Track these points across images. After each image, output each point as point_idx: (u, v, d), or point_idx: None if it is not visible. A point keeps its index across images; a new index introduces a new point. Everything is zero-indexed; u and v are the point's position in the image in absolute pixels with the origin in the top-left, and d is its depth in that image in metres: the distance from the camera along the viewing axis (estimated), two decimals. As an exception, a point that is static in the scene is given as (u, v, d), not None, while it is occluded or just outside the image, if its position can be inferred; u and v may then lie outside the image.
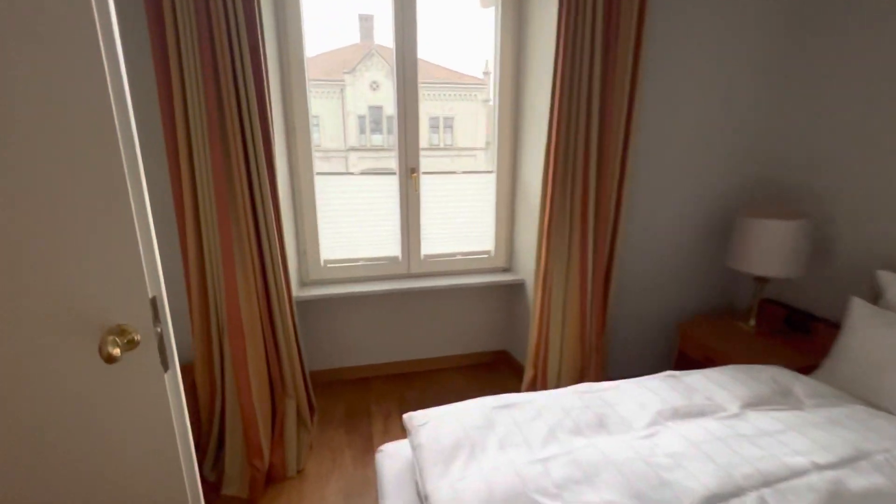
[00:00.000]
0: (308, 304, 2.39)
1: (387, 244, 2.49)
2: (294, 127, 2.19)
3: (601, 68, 1.80)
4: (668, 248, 2.31)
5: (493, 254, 2.62)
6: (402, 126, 2.32)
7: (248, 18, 1.56)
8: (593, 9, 1.73)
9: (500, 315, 2.74)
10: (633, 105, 1.88)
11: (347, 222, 2.41)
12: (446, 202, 2.51)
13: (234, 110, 1.60)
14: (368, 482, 1.87)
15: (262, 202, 1.70)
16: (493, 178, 2.51)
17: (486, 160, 2.56)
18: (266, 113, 1.67)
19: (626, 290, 2.30)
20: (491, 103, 2.48)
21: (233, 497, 1.79)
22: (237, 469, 1.81)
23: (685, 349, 2.19)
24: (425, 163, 2.38)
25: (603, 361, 2.18)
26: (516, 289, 2.61)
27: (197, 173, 1.61)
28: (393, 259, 2.51)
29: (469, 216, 2.56)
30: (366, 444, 2.10)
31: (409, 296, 2.55)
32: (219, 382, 1.83)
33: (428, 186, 2.44)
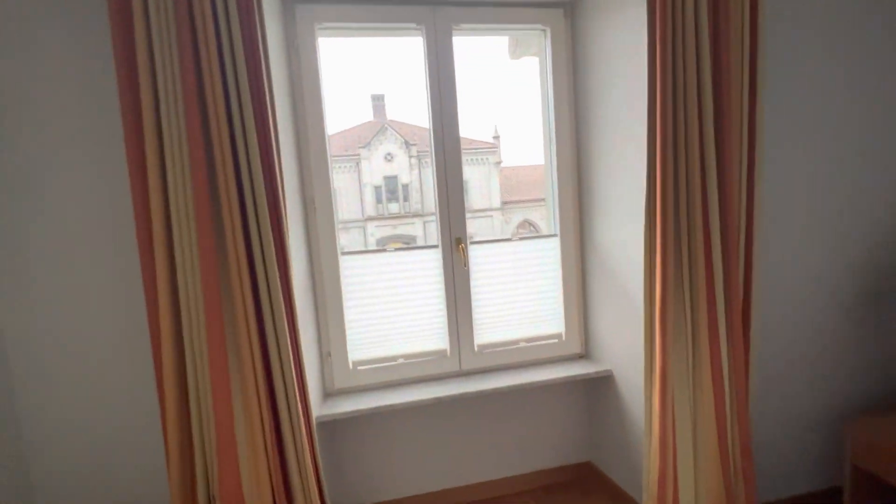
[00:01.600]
0: (333, 424, 1.84)
1: (431, 335, 1.97)
2: (314, 204, 1.78)
3: (713, 95, 1.36)
4: (813, 324, 1.73)
5: (564, 337, 2.06)
6: (443, 194, 1.89)
7: (255, 92, 1.20)
8: (695, 26, 1.32)
9: (579, 417, 2.12)
10: (755, 142, 1.42)
11: (380, 311, 1.92)
12: (500, 276, 2.01)
13: (234, 193, 1.19)
14: None
15: (271, 296, 1.23)
16: (556, 242, 2.03)
17: (546, 223, 2.10)
18: (277, 191, 1.25)
19: (769, 385, 1.71)
20: (503, 164, 2.07)
21: None
22: None
23: (859, 461, 1.55)
24: (434, 227, 1.92)
25: (752, 490, 1.52)
26: (600, 382, 2.01)
27: (179, 268, 1.16)
28: (440, 354, 1.97)
29: (530, 292, 2.04)
30: None
31: (462, 402, 1.97)
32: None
33: (477, 259, 1.96)
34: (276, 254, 1.24)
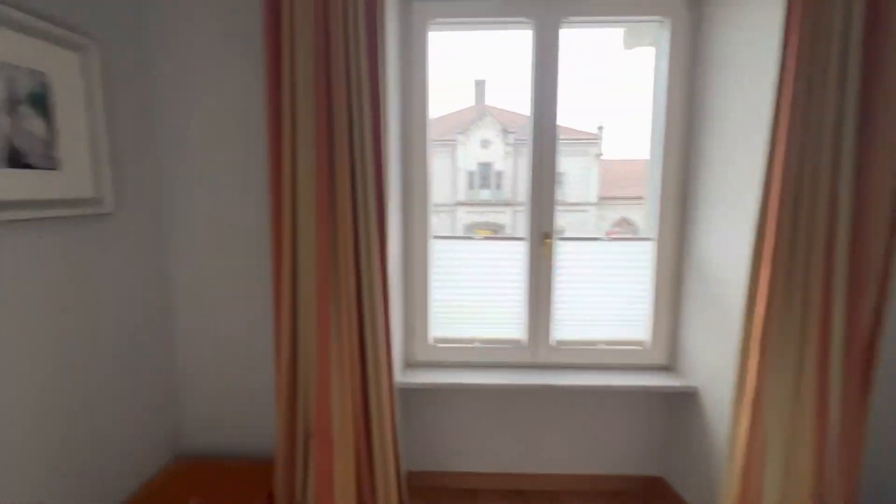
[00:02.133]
0: (411, 392, 2.00)
1: (509, 324, 2.02)
2: (412, 186, 1.92)
3: (859, 101, 1.20)
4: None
5: (648, 346, 1.98)
6: (536, 185, 1.91)
7: (372, 78, 1.34)
8: (843, 28, 1.16)
9: (656, 430, 2.03)
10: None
11: (463, 295, 2.02)
12: (586, 275, 1.98)
13: (347, 169, 1.34)
14: None
15: (370, 279, 1.38)
16: (650, 247, 1.94)
17: (645, 223, 2.00)
18: (381, 171, 1.39)
19: (890, 437, 1.49)
20: (604, 157, 1.97)
21: None
22: None
23: None
24: (524, 218, 1.92)
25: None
26: (683, 398, 1.91)
27: (299, 236, 1.36)
28: (516, 343, 2.02)
29: (617, 294, 1.99)
30: None
31: (534, 393, 2.01)
32: (300, 493, 1.47)
33: (564, 255, 1.96)
34: (377, 231, 1.39)
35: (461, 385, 1.86)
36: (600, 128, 13.86)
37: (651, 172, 1.94)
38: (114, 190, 1.36)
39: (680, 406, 1.93)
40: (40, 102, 1.11)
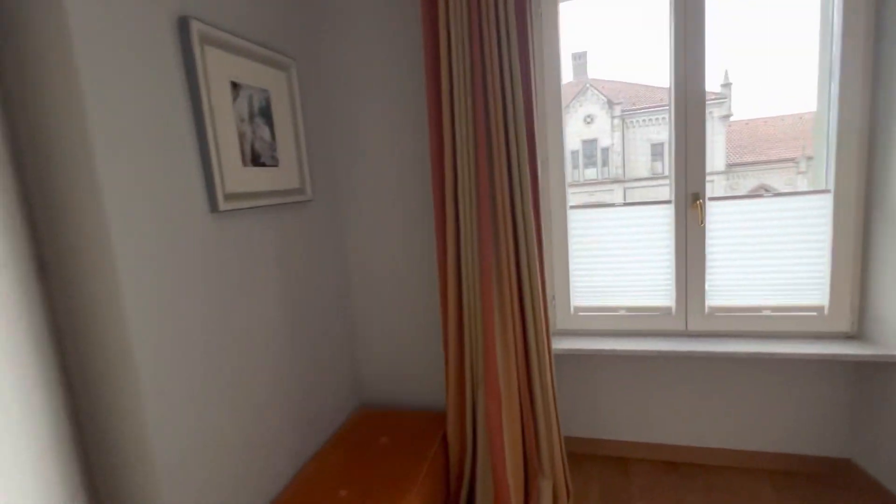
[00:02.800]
0: (558, 358, 2.07)
1: (656, 291, 1.97)
2: (547, 158, 1.97)
3: None
4: None
5: (826, 312, 1.78)
6: (681, 148, 1.82)
7: (522, 51, 1.42)
8: None
9: (840, 406, 1.82)
10: None
11: (604, 263, 2.02)
12: (744, 236, 1.84)
13: (503, 140, 1.45)
14: None
15: (526, 239, 1.48)
16: (826, 200, 1.73)
17: (808, 180, 1.79)
18: (533, 143, 1.48)
19: None
20: (733, 118, 1.75)
21: (481, 583, 1.54)
22: (487, 550, 1.56)
23: None
24: (644, 195, 1.82)
25: None
26: (877, 369, 1.68)
27: (460, 206, 1.51)
28: (664, 311, 1.96)
29: (783, 257, 1.81)
30: (639, 559, 1.57)
31: (688, 361, 1.94)
32: (470, 442, 1.64)
33: (717, 217, 1.84)
34: (532, 202, 1.48)
35: (608, 351, 1.88)
36: (726, 85, 12.21)
37: (823, 123, 1.72)
38: (311, 181, 1.65)
39: (871, 378, 1.71)
40: (266, 113, 1.41)
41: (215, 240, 1.22)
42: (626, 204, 1.99)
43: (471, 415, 1.62)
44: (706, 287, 1.89)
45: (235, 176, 1.26)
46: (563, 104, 2.06)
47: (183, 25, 1.12)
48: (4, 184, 0.90)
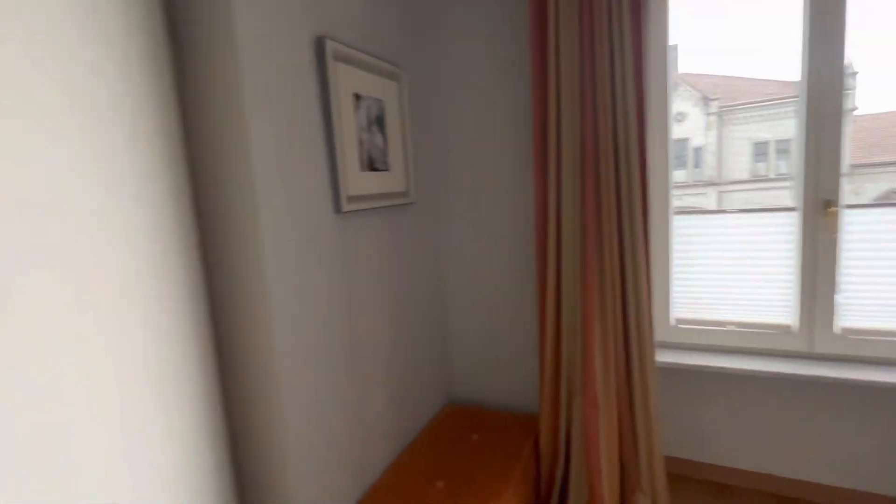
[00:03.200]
0: (659, 371, 1.96)
1: (772, 308, 1.80)
2: (652, 158, 1.88)
3: None
4: None
5: None
6: (810, 148, 1.65)
7: (635, 48, 1.38)
8: None
9: None
10: None
11: (711, 274, 1.88)
12: (885, 249, 1.61)
13: (611, 143, 1.42)
14: None
15: (633, 246, 1.44)
16: None
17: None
18: (643, 141, 1.43)
19: None
20: (858, 112, 1.50)
21: None
22: (578, 561, 1.53)
23: None
24: (745, 199, 1.64)
25: None
26: None
27: (563, 209, 1.50)
28: (782, 329, 1.78)
29: (941, 274, 1.56)
30: None
31: (809, 387, 1.74)
32: (563, 447, 1.62)
33: (854, 227, 1.64)
34: (641, 207, 1.43)
35: (719, 369, 1.75)
36: (851, 74, 10.68)
37: None
38: (415, 185, 1.74)
39: None
40: (381, 122, 1.51)
41: (337, 237, 1.34)
42: (741, 210, 1.84)
43: (565, 422, 1.60)
44: (837, 305, 1.68)
45: (355, 180, 1.37)
46: (657, 101, 1.96)
47: (319, 44, 1.24)
48: (180, 179, 1.07)
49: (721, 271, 1.86)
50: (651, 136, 1.86)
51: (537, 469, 1.69)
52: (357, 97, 1.39)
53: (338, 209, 1.31)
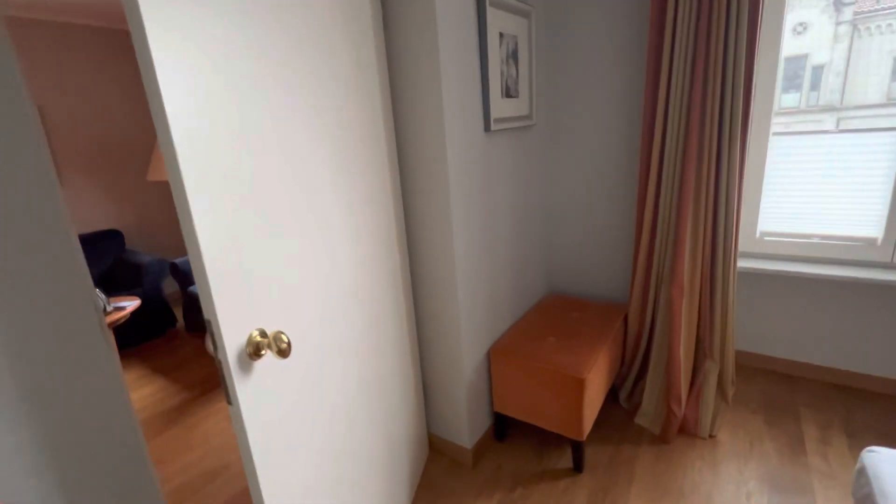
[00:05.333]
0: (740, 276, 2.26)
1: (860, 221, 1.98)
2: (757, 80, 2.02)
3: None
4: None
5: None
6: (928, 63, 1.71)
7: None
8: None
9: None
10: None
11: (801, 188, 2.07)
12: None
13: (721, 44, 1.63)
14: (799, 482, 1.65)
15: (730, 151, 1.70)
16: None
17: None
18: (751, 65, 1.63)
19: None
20: None
21: (644, 429, 2.01)
22: (653, 406, 2.00)
23: None
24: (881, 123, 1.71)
25: None
26: None
27: (669, 122, 1.78)
28: (867, 241, 1.97)
29: None
30: (794, 442, 1.85)
31: (885, 291, 1.96)
32: (647, 325, 2.04)
33: (960, 145, 1.73)
34: (741, 126, 1.67)
35: (795, 273, 2.01)
36: None
37: None
38: (536, 110, 2.08)
39: None
40: (515, 55, 1.84)
41: (485, 153, 1.76)
42: (841, 131, 1.96)
43: (651, 304, 2.00)
44: (927, 219, 1.83)
45: (497, 105, 1.75)
46: (768, 8, 2.03)
47: (480, -6, 1.58)
48: (388, 113, 1.53)
49: (812, 187, 2.04)
50: (761, 54, 1.98)
51: (624, 337, 2.14)
52: (501, 35, 1.72)
53: (487, 128, 1.72)
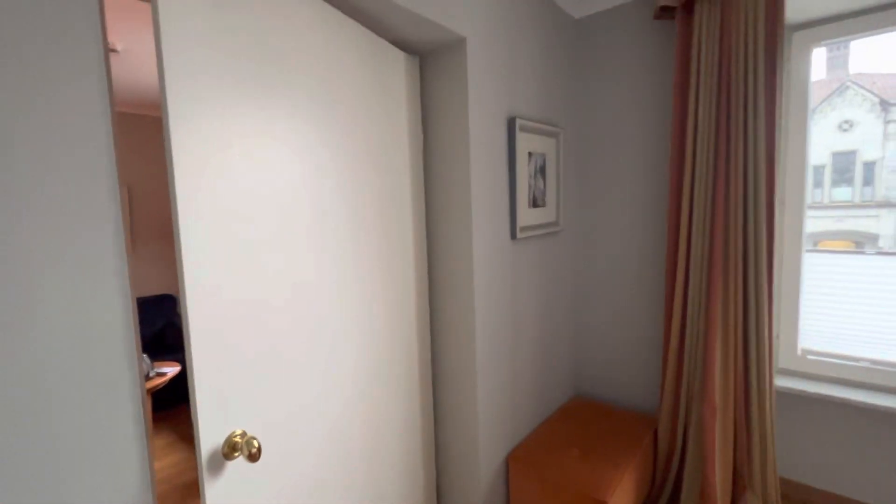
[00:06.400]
0: (780, 396, 2.12)
1: (913, 348, 1.85)
2: (784, 178, 2.07)
3: None
4: None
5: None
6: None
7: (768, 103, 1.65)
8: None
9: None
10: None
11: (845, 309, 1.99)
12: None
13: (741, 156, 1.70)
14: None
15: (756, 264, 1.70)
16: None
17: None
18: (773, 165, 1.68)
19: None
20: None
21: (679, 566, 1.81)
22: (688, 539, 1.82)
23: None
24: None
25: None
26: None
27: (694, 221, 1.81)
28: (923, 370, 1.83)
29: None
30: None
31: (951, 429, 1.77)
32: (679, 445, 1.92)
33: None
34: (766, 228, 1.68)
35: (842, 399, 1.87)
36: None
37: None
38: (563, 216, 2.20)
39: None
40: (542, 171, 2.00)
41: (512, 257, 1.86)
42: (880, 253, 1.92)
43: (682, 422, 1.90)
44: None
45: (524, 215, 1.88)
46: (809, 107, 2.11)
47: (511, 122, 1.77)
48: (420, 213, 1.68)
49: (856, 305, 1.96)
50: (786, 160, 2.04)
51: (654, 456, 2.01)
52: (529, 154, 1.90)
53: (514, 236, 1.83)
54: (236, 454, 1.00)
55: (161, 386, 2.81)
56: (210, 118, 0.95)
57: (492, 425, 1.78)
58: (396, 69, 1.52)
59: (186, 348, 0.94)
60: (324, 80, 1.23)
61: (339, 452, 1.31)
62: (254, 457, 0.98)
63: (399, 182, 1.55)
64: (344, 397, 1.32)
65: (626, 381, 2.33)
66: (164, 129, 0.90)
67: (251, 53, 1.03)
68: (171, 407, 3.52)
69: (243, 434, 1.02)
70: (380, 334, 1.47)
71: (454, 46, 1.58)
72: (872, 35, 1.90)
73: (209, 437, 0.97)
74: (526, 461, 1.80)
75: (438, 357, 1.79)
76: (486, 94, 1.66)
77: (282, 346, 1.12)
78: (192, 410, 0.95)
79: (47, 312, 0.79)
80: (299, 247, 1.16)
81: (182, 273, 0.91)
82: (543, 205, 2.03)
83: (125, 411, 0.88)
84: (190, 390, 0.95)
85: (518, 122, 1.78)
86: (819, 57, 2.05)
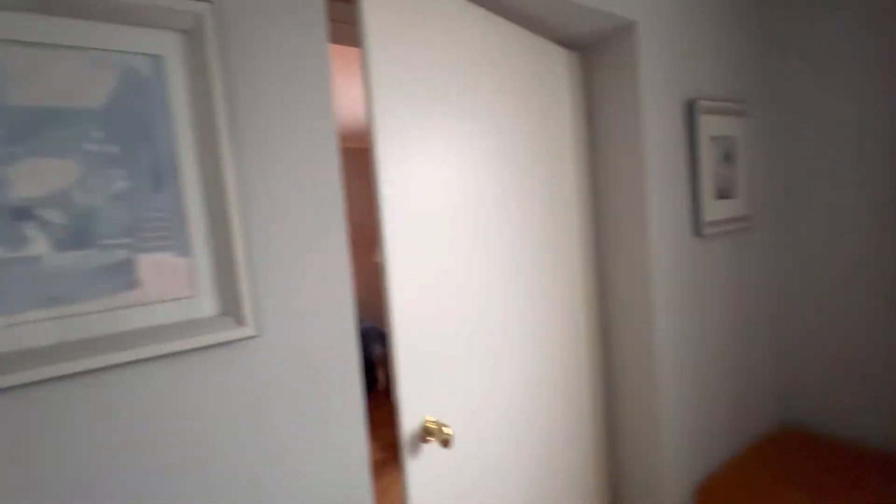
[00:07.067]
0: None
1: None
2: None
3: None
4: None
5: None
6: None
7: None
8: None
9: None
10: None
11: None
12: None
13: None
14: None
15: None
16: None
17: None
18: None
19: None
20: None
21: None
22: None
23: None
24: None
25: None
26: None
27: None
28: None
29: None
30: None
31: None
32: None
33: None
34: None
35: None
36: None
37: None
38: (759, 209, 1.87)
39: None
40: (730, 157, 1.73)
41: (697, 256, 1.64)
42: None
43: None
44: None
45: (710, 207, 1.65)
46: None
47: (689, 105, 1.59)
48: (587, 217, 1.60)
49: None
50: None
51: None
52: (713, 138, 1.66)
53: (697, 233, 1.62)
54: (430, 438, 1.07)
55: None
56: (406, 146, 1.05)
57: (674, 450, 1.58)
58: (559, 69, 1.50)
59: (394, 346, 1.04)
60: (496, 91, 1.27)
61: (514, 445, 1.31)
62: (446, 442, 1.04)
63: (565, 185, 1.51)
64: (514, 399, 1.32)
65: (857, 407, 1.84)
66: (371, 163, 1.00)
67: (439, 80, 1.11)
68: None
69: (436, 422, 1.09)
70: (548, 343, 1.44)
71: (622, 33, 1.49)
72: None
73: (408, 421, 1.06)
74: (723, 501, 1.54)
75: (611, 365, 1.67)
76: (660, 78, 1.52)
77: (456, 346, 1.17)
78: (396, 398, 1.05)
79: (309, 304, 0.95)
80: (476, 256, 1.21)
81: (388, 282, 1.01)
82: (732, 196, 1.75)
83: (353, 379, 1.02)
84: (396, 382, 1.05)
85: (699, 103, 1.58)
86: None
